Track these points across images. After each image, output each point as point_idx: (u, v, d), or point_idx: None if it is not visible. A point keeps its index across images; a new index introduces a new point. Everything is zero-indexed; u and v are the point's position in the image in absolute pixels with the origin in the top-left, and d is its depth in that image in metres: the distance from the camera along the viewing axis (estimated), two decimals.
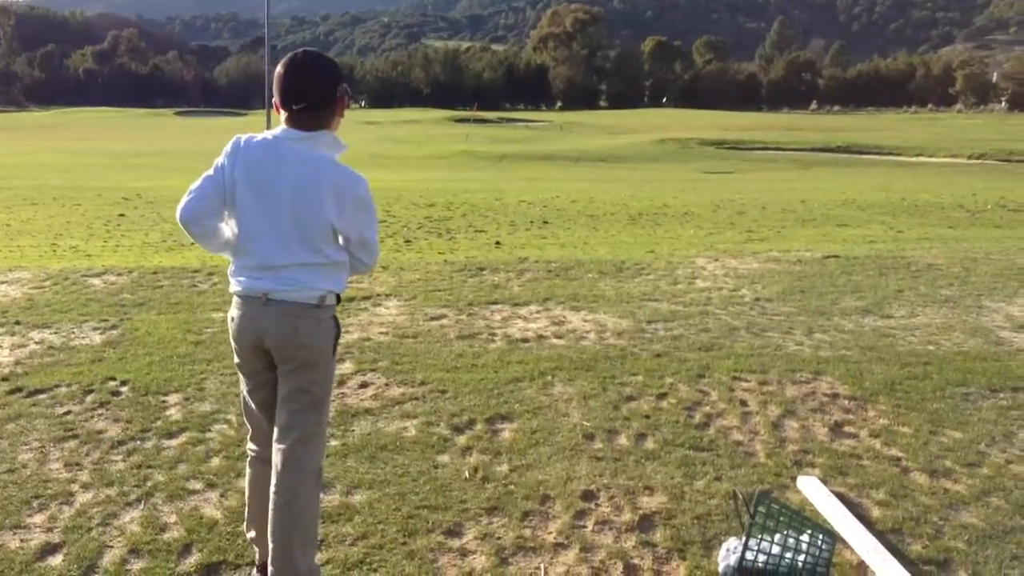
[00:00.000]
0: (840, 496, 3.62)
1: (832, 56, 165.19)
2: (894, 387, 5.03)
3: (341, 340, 2.96)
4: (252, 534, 3.00)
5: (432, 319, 6.54)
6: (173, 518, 3.41)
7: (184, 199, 2.72)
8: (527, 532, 3.36)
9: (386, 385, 5.01)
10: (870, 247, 10.54)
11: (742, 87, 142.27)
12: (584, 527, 3.41)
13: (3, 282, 7.81)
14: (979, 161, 40.78)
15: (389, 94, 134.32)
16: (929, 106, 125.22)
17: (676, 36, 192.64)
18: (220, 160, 2.74)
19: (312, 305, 2.76)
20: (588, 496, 3.66)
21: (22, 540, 3.22)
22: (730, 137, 52.32)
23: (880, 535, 3.30)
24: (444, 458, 4.02)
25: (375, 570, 3.09)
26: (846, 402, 4.83)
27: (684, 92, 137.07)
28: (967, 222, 14.15)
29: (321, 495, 3.07)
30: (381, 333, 6.11)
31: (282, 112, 2.71)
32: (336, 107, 2.77)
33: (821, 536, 3.04)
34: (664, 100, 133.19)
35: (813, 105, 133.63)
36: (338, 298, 2.86)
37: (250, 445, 3.00)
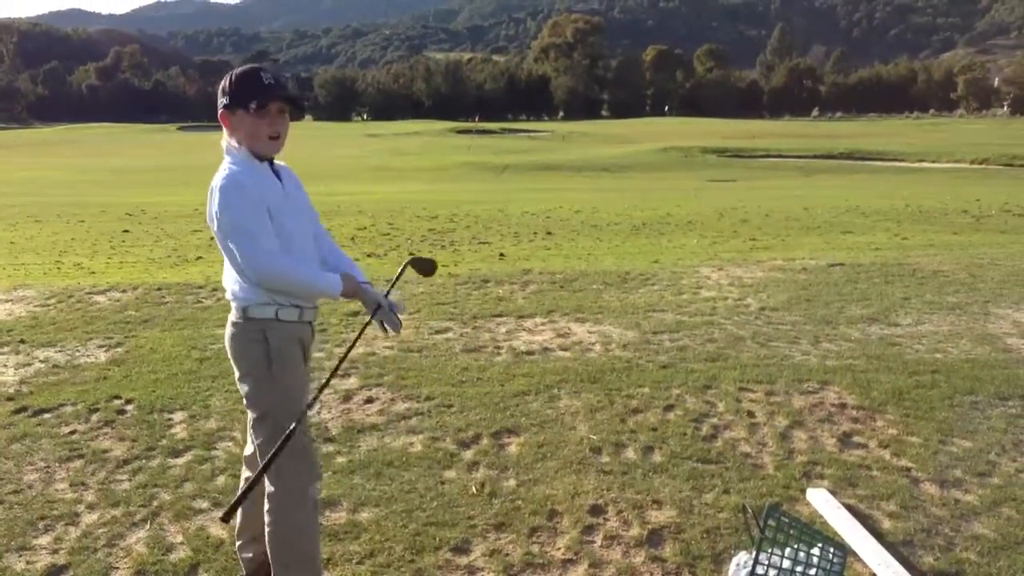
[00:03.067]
0: (850, 508, 3.60)
1: (833, 62, 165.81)
2: (902, 396, 5.00)
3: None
4: (240, 542, 3.07)
5: (437, 332, 6.53)
6: (179, 538, 3.39)
7: None
8: (535, 548, 3.33)
9: (391, 400, 4.99)
10: (875, 254, 10.52)
11: (744, 95, 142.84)
12: (593, 542, 3.39)
13: (8, 300, 7.83)
14: (982, 166, 40.74)
15: (391, 106, 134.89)
16: (931, 111, 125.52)
17: (677, 45, 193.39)
18: None
19: (239, 316, 2.71)
20: (596, 511, 3.64)
21: (28, 562, 3.21)
22: (732, 145, 52.35)
23: (891, 547, 3.28)
24: (451, 474, 4.00)
25: None
26: (854, 412, 4.79)
27: (686, 100, 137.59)
28: (972, 228, 14.11)
29: (323, 514, 3.04)
30: (386, 347, 6.09)
31: None
32: (223, 122, 2.66)
33: (832, 550, 3.02)
34: (666, 109, 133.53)
35: (815, 112, 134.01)
36: (278, 314, 2.68)
37: None
